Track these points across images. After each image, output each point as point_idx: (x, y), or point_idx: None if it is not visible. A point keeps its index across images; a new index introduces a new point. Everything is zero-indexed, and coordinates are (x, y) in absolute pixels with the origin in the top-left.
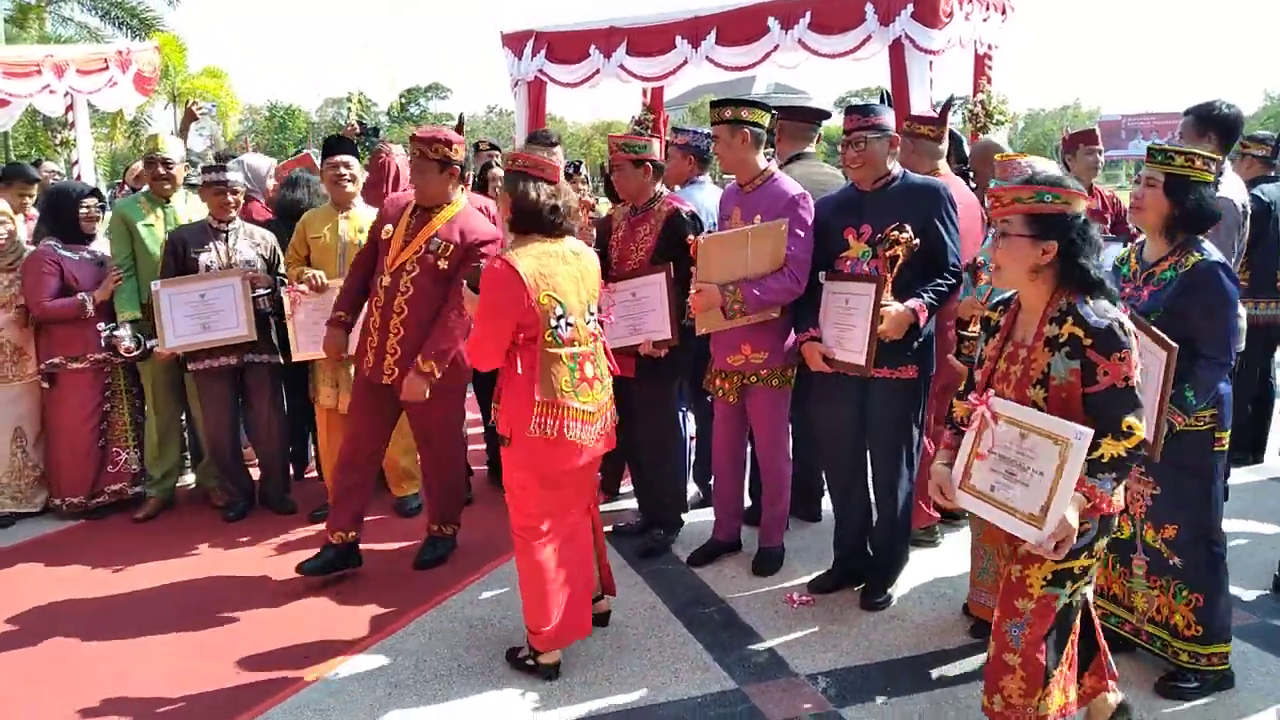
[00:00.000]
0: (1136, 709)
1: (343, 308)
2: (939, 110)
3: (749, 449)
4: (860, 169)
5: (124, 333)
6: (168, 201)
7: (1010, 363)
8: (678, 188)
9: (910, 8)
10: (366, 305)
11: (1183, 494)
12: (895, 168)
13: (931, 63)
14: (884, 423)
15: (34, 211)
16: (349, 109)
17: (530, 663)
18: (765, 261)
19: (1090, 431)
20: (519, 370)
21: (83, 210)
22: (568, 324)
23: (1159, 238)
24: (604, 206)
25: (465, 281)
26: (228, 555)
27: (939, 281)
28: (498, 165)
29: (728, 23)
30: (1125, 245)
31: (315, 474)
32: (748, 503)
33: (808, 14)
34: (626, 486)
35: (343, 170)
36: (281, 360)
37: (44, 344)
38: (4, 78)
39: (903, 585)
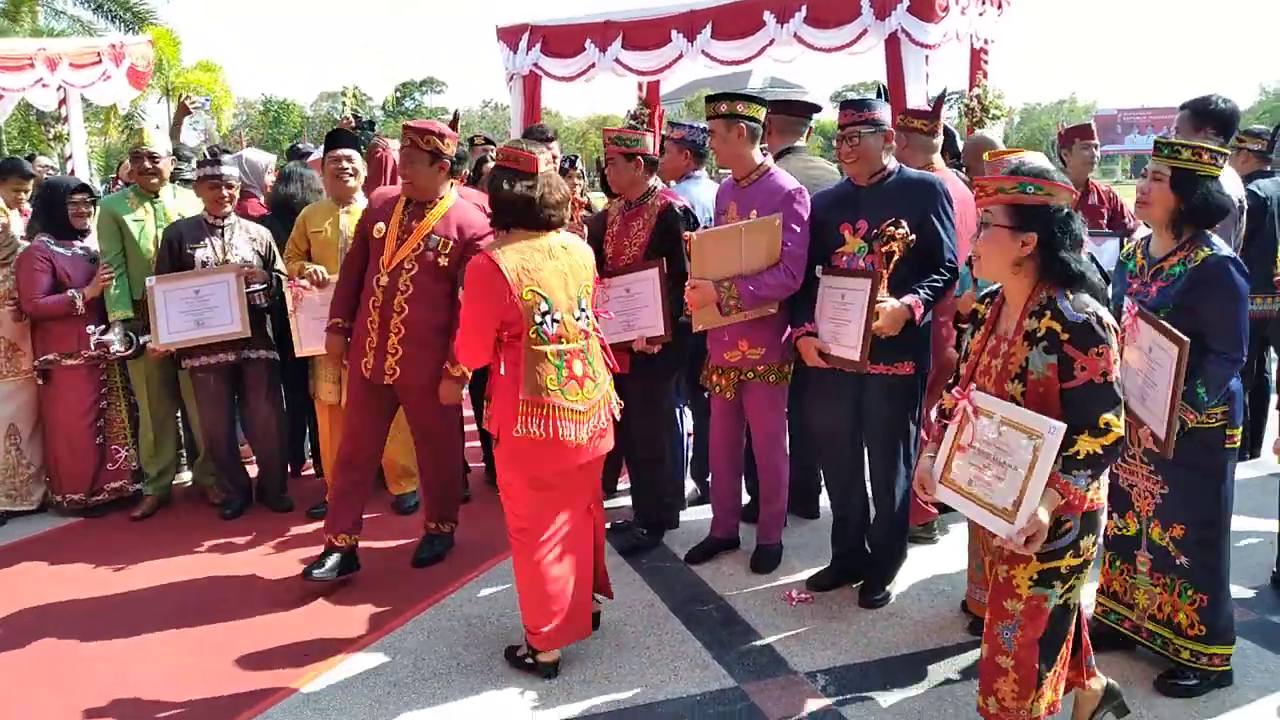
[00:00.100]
0: (1136, 706)
1: (339, 313)
2: (933, 104)
3: (746, 445)
4: (855, 164)
5: (113, 336)
6: (156, 196)
7: (992, 356)
8: (673, 183)
9: (906, 2)
10: (363, 305)
11: (1192, 493)
12: (891, 163)
13: (928, 57)
14: (880, 419)
15: (30, 207)
16: (344, 103)
17: (529, 661)
18: (761, 257)
19: (1063, 426)
20: (502, 369)
21: (70, 206)
22: (553, 320)
23: (1166, 233)
24: (599, 201)
25: None
26: (225, 553)
27: (935, 277)
28: (493, 160)
29: (723, 16)
30: (1121, 241)
31: (312, 471)
32: (746, 499)
33: (803, 8)
34: (625, 484)
35: (345, 164)
36: (278, 356)
37: (39, 341)
38: None
39: (901, 582)
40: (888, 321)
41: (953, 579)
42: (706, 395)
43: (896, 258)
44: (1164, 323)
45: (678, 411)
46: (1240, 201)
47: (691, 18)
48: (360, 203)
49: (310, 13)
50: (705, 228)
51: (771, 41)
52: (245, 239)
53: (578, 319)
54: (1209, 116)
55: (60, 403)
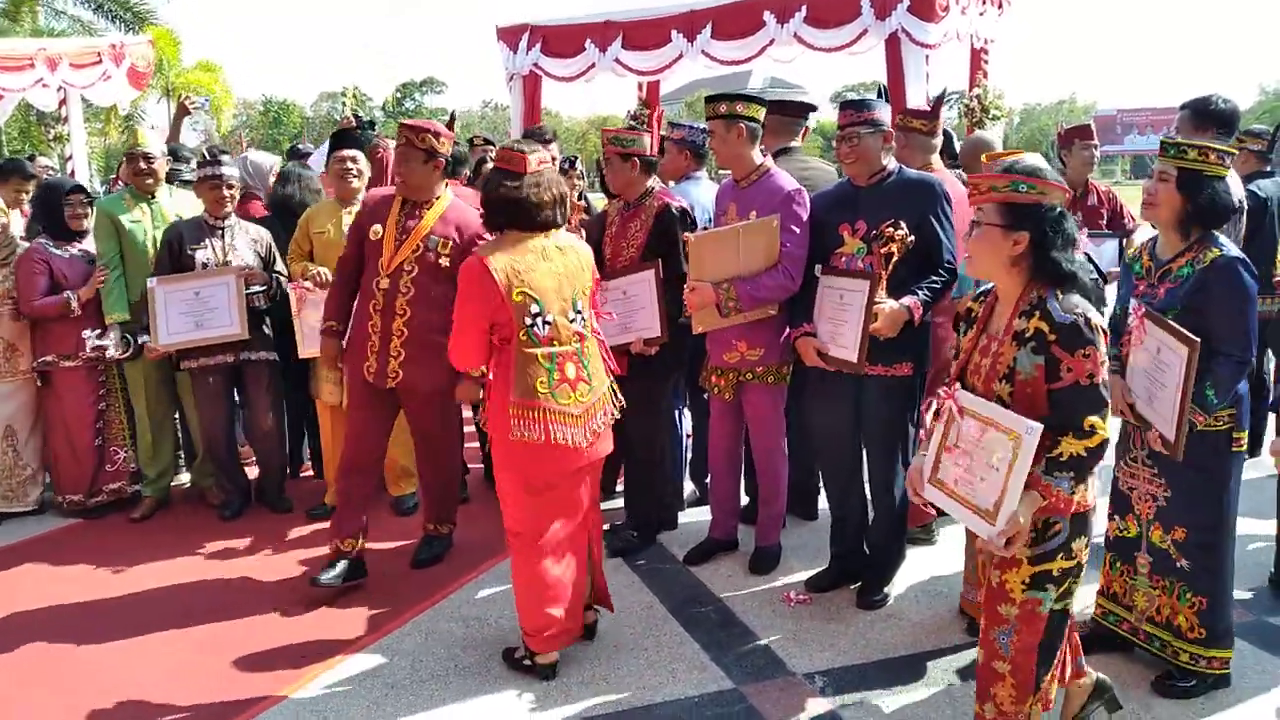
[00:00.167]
0: (1133, 707)
1: (334, 316)
2: (932, 104)
3: (745, 447)
4: (855, 164)
5: (108, 341)
6: (152, 197)
7: (982, 355)
8: (673, 183)
9: (906, 1)
10: (362, 308)
11: (1196, 495)
12: (891, 163)
13: (928, 57)
14: (879, 420)
15: (31, 208)
16: (344, 104)
17: (527, 663)
18: (759, 258)
19: (1039, 427)
20: (492, 371)
21: (66, 208)
22: (545, 323)
23: (1173, 233)
24: (600, 202)
25: None
26: (224, 555)
27: (934, 278)
28: (491, 160)
29: (723, 16)
30: (1121, 242)
31: (311, 472)
32: (744, 501)
33: (803, 8)
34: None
35: (350, 165)
36: (277, 358)
37: (38, 342)
38: None
39: (899, 584)
40: (886, 323)
41: (951, 580)
42: (706, 396)
43: (895, 259)
44: (1173, 324)
45: (677, 413)
46: (1240, 202)
47: (691, 18)
48: None
49: (310, 13)
50: (705, 229)
51: (771, 41)
52: (245, 240)
53: (571, 321)
54: (1210, 117)
55: (59, 404)
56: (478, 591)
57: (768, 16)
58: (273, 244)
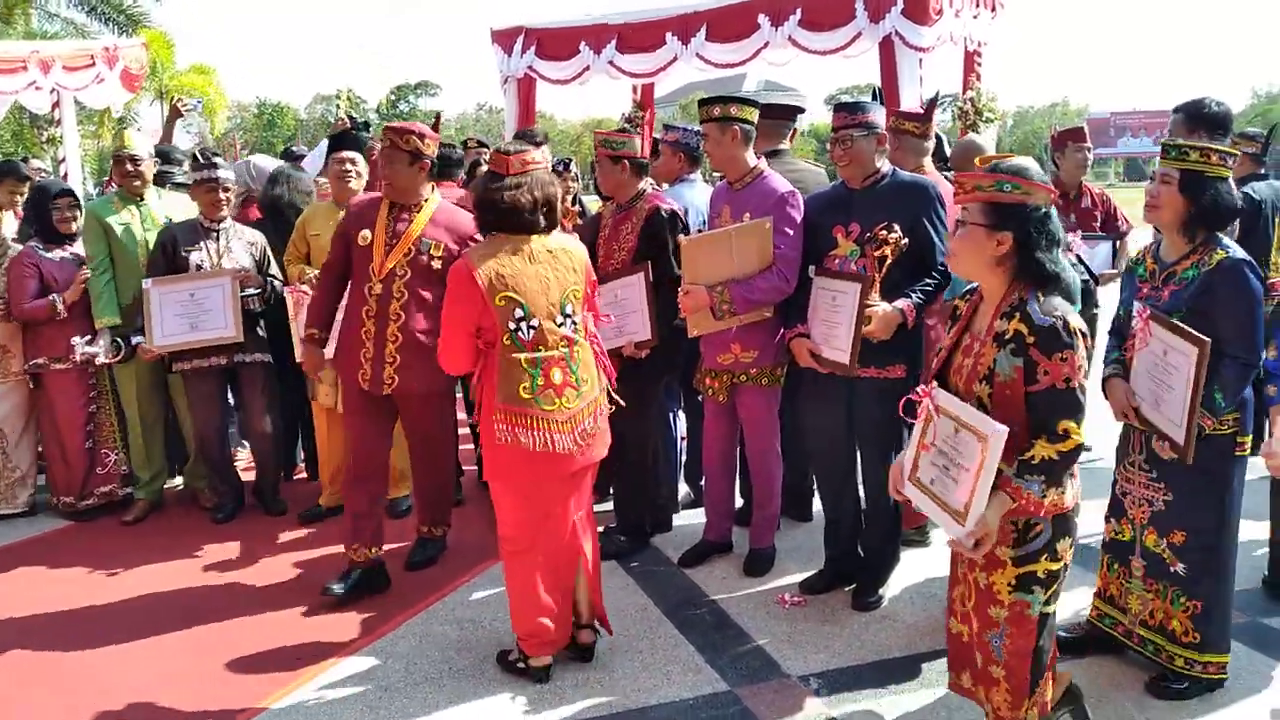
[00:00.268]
0: (1127, 708)
1: (316, 324)
2: (925, 107)
3: (740, 449)
4: (848, 167)
5: (97, 348)
6: (141, 199)
7: (964, 356)
8: (666, 186)
9: (900, 4)
10: (354, 314)
11: (1198, 499)
12: (885, 165)
13: (921, 60)
14: (872, 422)
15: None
16: (338, 105)
17: (521, 665)
18: (753, 260)
19: (1005, 430)
20: (477, 375)
21: (55, 211)
22: (529, 327)
23: (1177, 236)
24: (594, 204)
25: None
26: (217, 557)
27: (927, 281)
28: (485, 163)
29: (718, 19)
30: (1114, 244)
31: (305, 475)
32: (739, 503)
33: (798, 11)
34: None
35: (349, 166)
36: (271, 360)
37: (29, 344)
38: None
39: (894, 585)
40: (880, 325)
41: (945, 582)
42: (700, 398)
43: (889, 261)
44: (1180, 325)
45: (671, 415)
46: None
47: (686, 20)
48: None
49: (307, 14)
50: (700, 231)
51: (766, 44)
52: (241, 244)
53: (560, 325)
54: (1203, 119)
55: (51, 407)
56: (472, 594)
57: (762, 19)
58: (267, 247)
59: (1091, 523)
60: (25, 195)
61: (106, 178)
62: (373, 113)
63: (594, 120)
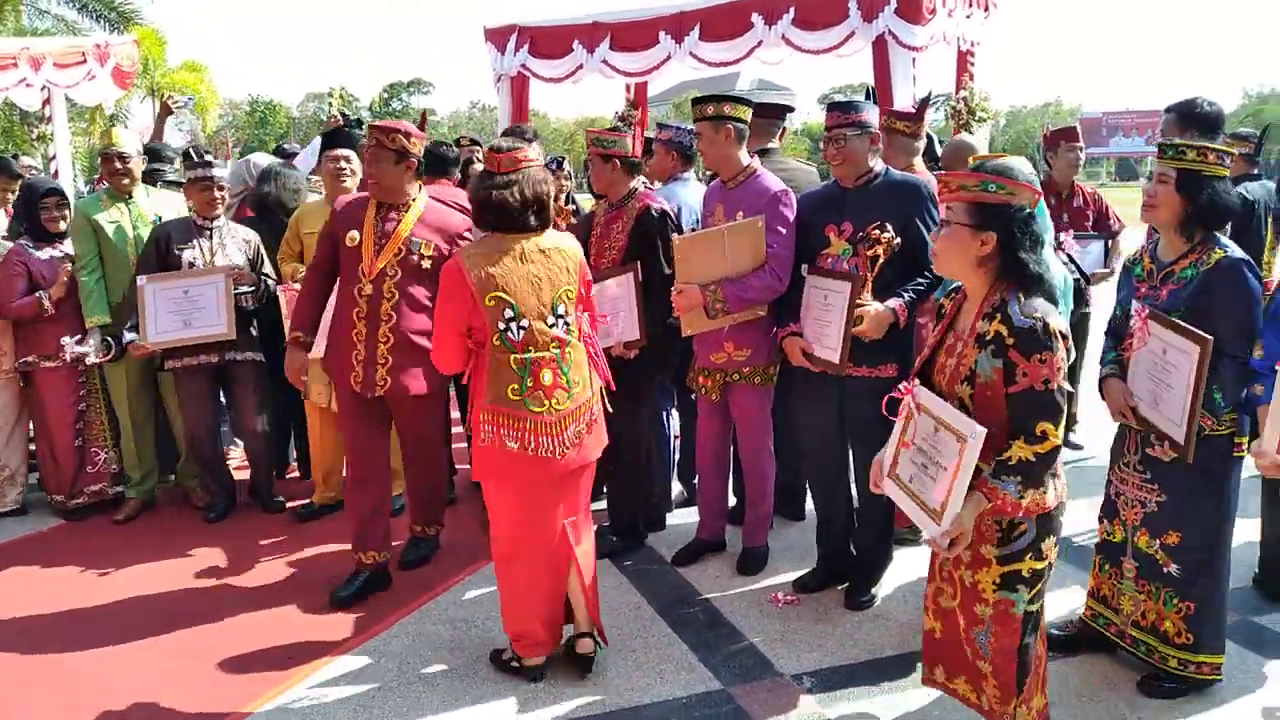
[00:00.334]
0: (1120, 707)
1: (301, 327)
2: (917, 106)
3: (733, 447)
4: (841, 166)
5: (88, 348)
6: (129, 197)
7: (948, 355)
8: (659, 184)
9: (893, 4)
10: (344, 315)
11: (1195, 500)
12: (878, 164)
13: (915, 59)
14: (864, 421)
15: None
16: (330, 103)
17: (514, 665)
18: (746, 259)
19: (983, 431)
20: (466, 375)
21: (43, 210)
22: (519, 327)
23: (1174, 235)
24: (588, 203)
25: None
26: (209, 556)
27: (919, 281)
28: (478, 160)
29: (711, 18)
30: (1106, 243)
31: (297, 473)
32: (732, 502)
33: (791, 10)
34: None
35: (343, 165)
36: (263, 358)
37: (20, 343)
38: None
39: (887, 584)
40: (872, 325)
41: None
42: (693, 397)
43: (881, 261)
44: (1180, 323)
45: (665, 413)
46: None
47: (680, 19)
48: None
49: (308, 14)
50: (693, 230)
51: (760, 43)
52: (235, 242)
53: (551, 326)
54: (1195, 119)
55: (41, 405)
56: (465, 593)
57: (755, 18)
58: (261, 246)
59: (1086, 521)
60: (15, 193)
61: (98, 175)
62: (365, 111)
63: (587, 119)
